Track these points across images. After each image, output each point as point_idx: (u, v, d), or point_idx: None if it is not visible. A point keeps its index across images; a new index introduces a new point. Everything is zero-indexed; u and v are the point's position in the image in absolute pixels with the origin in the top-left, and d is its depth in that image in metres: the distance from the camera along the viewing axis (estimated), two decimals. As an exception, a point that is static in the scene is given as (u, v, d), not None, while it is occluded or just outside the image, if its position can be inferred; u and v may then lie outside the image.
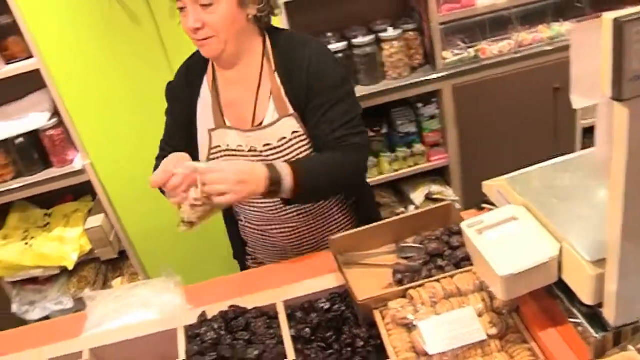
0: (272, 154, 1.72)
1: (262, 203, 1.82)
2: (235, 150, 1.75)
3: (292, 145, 1.72)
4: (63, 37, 2.49)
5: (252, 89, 1.73)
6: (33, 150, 2.76)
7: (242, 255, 2.11)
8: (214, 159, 1.78)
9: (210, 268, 2.28)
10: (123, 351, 1.56)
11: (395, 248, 1.63)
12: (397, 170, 2.92)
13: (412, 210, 2.97)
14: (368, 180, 2.83)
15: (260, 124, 1.73)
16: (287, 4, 2.44)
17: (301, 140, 1.72)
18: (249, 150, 1.74)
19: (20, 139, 2.71)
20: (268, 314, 1.50)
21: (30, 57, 2.53)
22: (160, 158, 1.80)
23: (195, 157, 1.77)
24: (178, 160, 1.59)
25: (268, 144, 1.72)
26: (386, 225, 1.66)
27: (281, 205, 1.79)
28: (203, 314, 1.53)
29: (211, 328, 1.47)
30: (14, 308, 3.04)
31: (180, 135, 1.84)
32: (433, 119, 2.84)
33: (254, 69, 1.72)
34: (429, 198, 3.00)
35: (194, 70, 1.81)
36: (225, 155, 1.77)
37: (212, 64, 1.78)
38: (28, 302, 3.06)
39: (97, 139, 2.71)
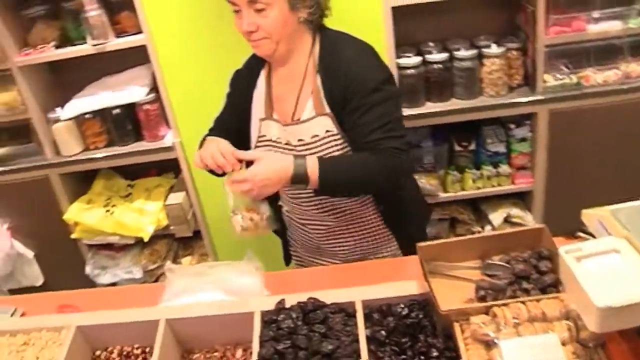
0: (304, 149, 1.79)
1: (299, 197, 1.91)
2: (275, 142, 1.86)
3: (325, 144, 1.77)
4: (174, 17, 2.56)
5: (296, 86, 1.81)
6: (127, 122, 2.85)
7: (287, 248, 2.22)
8: (260, 146, 1.89)
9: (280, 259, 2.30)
10: (198, 326, 1.59)
11: (481, 264, 1.61)
12: (479, 189, 2.87)
13: (488, 230, 2.92)
14: (449, 195, 2.86)
15: (298, 119, 1.80)
16: (394, 9, 2.44)
17: (334, 140, 1.77)
18: (285, 144, 1.83)
19: (117, 110, 2.80)
20: (346, 311, 1.50)
21: (139, 32, 2.61)
22: (209, 134, 2.02)
23: (237, 140, 1.88)
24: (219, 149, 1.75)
25: (301, 140, 1.80)
26: (474, 240, 1.64)
27: (316, 202, 1.89)
28: (281, 302, 1.55)
29: (289, 317, 1.48)
30: (87, 270, 3.15)
31: (230, 119, 2.00)
32: (524, 141, 2.78)
33: (300, 67, 1.80)
34: (507, 221, 2.94)
35: (256, 63, 1.92)
36: (268, 145, 1.87)
37: None
38: (100, 266, 3.17)
39: (190, 119, 2.77)
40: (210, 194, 2.97)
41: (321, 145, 1.77)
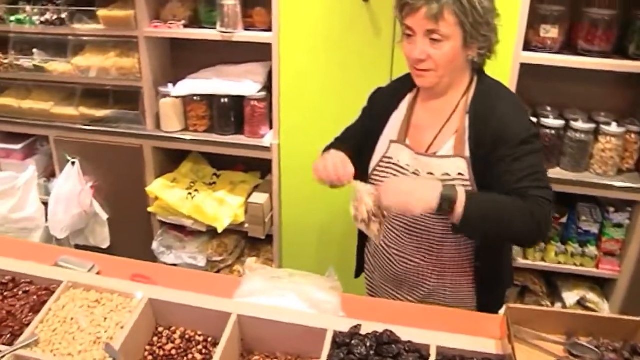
0: None
1: (399, 226, 1.87)
2: (401, 167, 1.83)
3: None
4: (306, 23, 2.59)
5: (441, 120, 1.79)
6: (232, 113, 2.91)
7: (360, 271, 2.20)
8: (382, 165, 1.87)
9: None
10: (267, 329, 1.57)
11: (566, 341, 1.54)
12: (560, 263, 2.78)
13: (558, 307, 2.82)
14: (527, 262, 2.80)
15: (434, 153, 1.78)
16: (522, 66, 2.43)
17: (463, 183, 1.73)
18: (413, 172, 1.81)
19: (226, 99, 2.86)
20: (420, 352, 1.46)
21: (268, 30, 2.67)
22: (337, 139, 2.04)
23: (358, 156, 1.88)
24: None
25: (431, 173, 1.77)
26: (565, 315, 1.59)
27: (416, 236, 1.85)
28: (357, 327, 1.52)
29: (363, 343, 1.45)
30: (154, 245, 3.22)
31: (359, 135, 1.99)
32: (619, 227, 2.68)
33: (451, 104, 1.79)
34: (580, 303, 2.84)
35: (404, 85, 1.90)
36: (391, 168, 1.85)
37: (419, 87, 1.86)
38: (167, 245, 3.23)
39: (293, 125, 2.80)
40: (293, 204, 2.98)
41: None
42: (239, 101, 2.85)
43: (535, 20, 2.42)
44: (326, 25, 2.57)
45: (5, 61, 3.12)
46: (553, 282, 2.97)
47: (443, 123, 1.79)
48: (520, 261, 2.81)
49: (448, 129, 1.78)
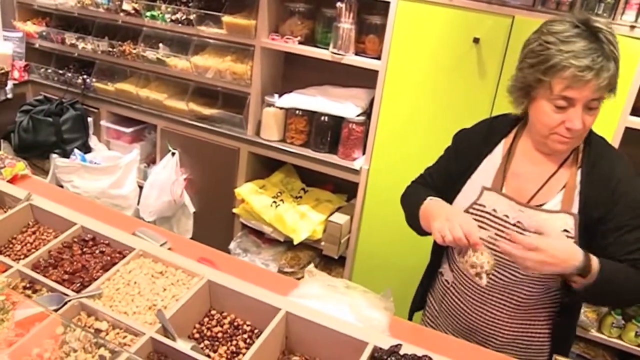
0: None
1: (499, 278, 1.77)
2: (498, 218, 1.73)
3: None
4: (414, 56, 2.64)
5: (546, 172, 1.71)
6: (329, 133, 2.98)
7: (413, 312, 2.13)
8: (473, 213, 1.76)
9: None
10: (311, 332, 1.58)
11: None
12: (638, 346, 2.62)
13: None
14: (602, 336, 2.67)
15: (540, 205, 1.69)
16: (626, 131, 2.37)
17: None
18: (514, 225, 1.70)
19: (326, 118, 2.94)
20: (456, 385, 1.44)
21: (377, 58, 2.73)
22: (416, 182, 1.99)
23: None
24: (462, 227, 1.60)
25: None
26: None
27: (500, 290, 1.77)
28: (398, 347, 1.51)
29: (400, 362, 1.45)
30: (231, 245, 3.33)
31: (442, 176, 1.92)
32: None
33: (558, 156, 1.70)
34: (650, 393, 2.67)
35: (497, 129, 1.83)
36: (484, 217, 1.74)
37: (516, 131, 1.78)
38: (244, 248, 3.32)
39: (386, 153, 2.84)
40: (372, 230, 3.01)
41: None
42: (338, 122, 2.92)
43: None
44: (434, 62, 2.61)
45: (134, 51, 3.38)
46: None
47: (549, 175, 1.71)
48: (594, 333, 2.68)
49: (556, 182, 1.70)
